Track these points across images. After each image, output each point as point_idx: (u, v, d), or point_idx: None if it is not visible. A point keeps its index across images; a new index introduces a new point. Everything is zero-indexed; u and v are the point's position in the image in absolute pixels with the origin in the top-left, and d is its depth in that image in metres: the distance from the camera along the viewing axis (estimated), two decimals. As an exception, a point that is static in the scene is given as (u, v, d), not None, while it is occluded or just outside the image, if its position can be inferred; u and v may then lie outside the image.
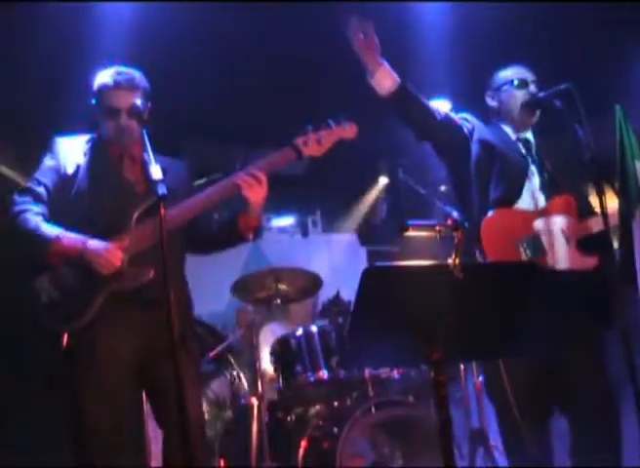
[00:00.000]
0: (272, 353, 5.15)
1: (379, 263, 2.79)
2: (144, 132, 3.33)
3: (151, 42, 5.20)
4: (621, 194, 3.46)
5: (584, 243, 3.75)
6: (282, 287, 5.06)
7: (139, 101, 3.49)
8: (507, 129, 4.05)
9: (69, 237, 3.38)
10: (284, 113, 6.11)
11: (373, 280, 2.66)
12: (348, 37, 3.67)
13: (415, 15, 5.72)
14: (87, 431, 3.34)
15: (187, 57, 5.63)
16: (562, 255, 3.72)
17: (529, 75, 4.03)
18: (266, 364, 5.24)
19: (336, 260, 7.40)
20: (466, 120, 4.03)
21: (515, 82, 4.01)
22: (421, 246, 6.58)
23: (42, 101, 5.37)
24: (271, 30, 5.56)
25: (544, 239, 3.74)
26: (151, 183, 2.98)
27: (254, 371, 4.92)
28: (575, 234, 3.76)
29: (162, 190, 2.90)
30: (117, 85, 3.51)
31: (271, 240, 7.32)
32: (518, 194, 3.84)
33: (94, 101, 3.59)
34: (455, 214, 5.39)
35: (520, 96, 3.99)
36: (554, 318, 3.30)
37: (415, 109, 3.88)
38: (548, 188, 3.88)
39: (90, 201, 3.48)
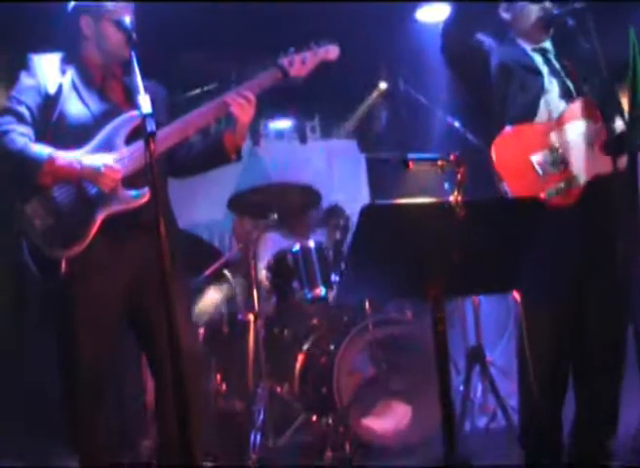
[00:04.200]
0: (269, 268, 5.10)
1: (378, 201, 2.71)
2: (133, 53, 3.17)
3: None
4: (631, 125, 3.32)
5: (609, 146, 3.59)
6: (280, 202, 4.94)
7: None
8: (522, 42, 3.90)
9: (63, 156, 3.27)
10: (278, 22, 5.90)
11: (372, 218, 2.58)
12: None
13: None
14: (79, 364, 3.31)
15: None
16: (584, 163, 3.59)
17: None
18: (263, 277, 5.19)
19: (334, 167, 7.27)
20: (480, 41, 3.88)
21: None
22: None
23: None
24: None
25: (563, 149, 3.61)
26: (141, 118, 2.82)
27: (250, 287, 4.86)
28: (598, 137, 3.61)
29: (151, 127, 2.76)
30: None
31: (269, 147, 7.17)
32: (534, 111, 3.72)
33: (85, 18, 3.46)
34: (456, 123, 5.29)
35: (534, 11, 3.82)
36: (557, 253, 3.23)
37: None
38: (570, 95, 3.75)
39: (75, 123, 3.37)
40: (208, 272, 5.02)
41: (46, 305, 3.58)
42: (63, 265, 3.25)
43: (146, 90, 2.96)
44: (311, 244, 4.98)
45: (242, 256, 5.34)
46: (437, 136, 5.81)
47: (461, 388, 4.94)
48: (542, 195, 3.49)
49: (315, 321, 5.03)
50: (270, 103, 6.91)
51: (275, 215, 4.89)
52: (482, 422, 5.15)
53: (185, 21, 5.85)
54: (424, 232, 2.65)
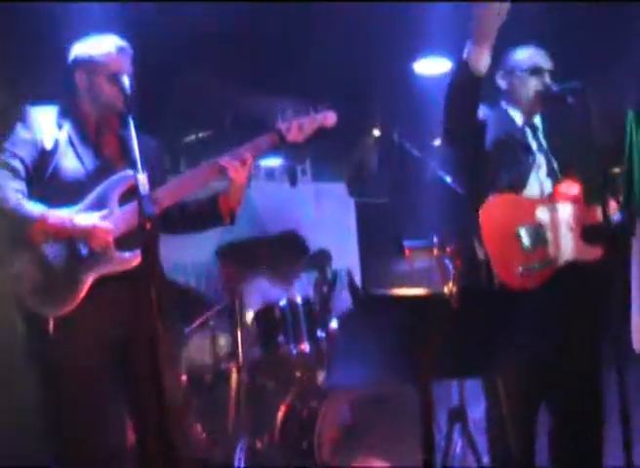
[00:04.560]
0: (255, 320, 5.10)
1: (372, 292, 2.71)
2: (130, 114, 3.16)
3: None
4: (624, 207, 3.34)
5: (591, 232, 3.66)
6: (268, 254, 4.95)
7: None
8: (515, 113, 3.90)
9: (55, 215, 3.24)
10: (277, 63, 5.92)
11: (366, 308, 2.59)
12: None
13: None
14: (68, 419, 3.31)
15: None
16: (565, 247, 3.63)
17: (546, 63, 3.84)
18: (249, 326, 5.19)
19: (324, 212, 7.27)
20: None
21: (530, 69, 3.82)
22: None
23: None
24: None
25: (547, 229, 3.64)
26: (140, 200, 2.82)
27: (235, 337, 4.85)
28: (580, 223, 3.66)
29: (149, 210, 2.76)
30: (121, 51, 3.42)
31: (259, 188, 7.15)
32: (524, 183, 3.74)
33: (80, 73, 3.44)
34: (448, 179, 5.30)
35: (533, 84, 3.81)
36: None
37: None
38: (555, 175, 3.78)
39: (70, 179, 3.35)
40: (195, 324, 5.01)
41: (31, 359, 3.54)
42: (51, 325, 3.24)
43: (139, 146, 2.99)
44: (298, 299, 4.98)
45: (228, 303, 5.33)
46: (427, 187, 5.83)
47: (442, 444, 4.94)
48: (520, 269, 3.51)
49: (298, 373, 5.01)
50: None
51: (264, 267, 4.89)
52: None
53: (179, 58, 5.88)
54: (418, 321, 2.66)
